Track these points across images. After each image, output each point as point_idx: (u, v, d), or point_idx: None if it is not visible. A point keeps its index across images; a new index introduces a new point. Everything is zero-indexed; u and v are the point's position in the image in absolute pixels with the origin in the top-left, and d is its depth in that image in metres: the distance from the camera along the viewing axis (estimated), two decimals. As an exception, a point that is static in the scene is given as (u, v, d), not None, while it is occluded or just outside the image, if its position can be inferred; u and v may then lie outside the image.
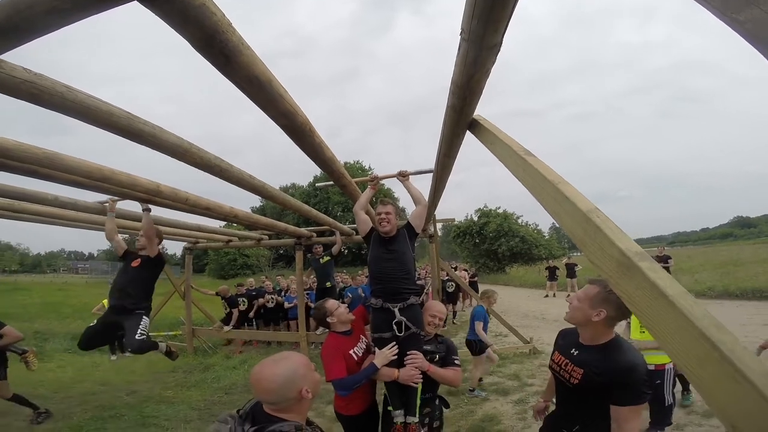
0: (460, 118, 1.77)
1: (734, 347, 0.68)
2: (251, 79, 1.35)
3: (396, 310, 2.56)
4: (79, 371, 6.75)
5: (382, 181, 3.31)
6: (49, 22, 1.00)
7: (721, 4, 0.57)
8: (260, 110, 1.68)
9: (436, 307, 2.71)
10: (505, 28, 1.17)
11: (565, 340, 1.90)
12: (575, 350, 1.78)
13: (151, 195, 3.47)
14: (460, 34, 1.24)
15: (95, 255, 77.69)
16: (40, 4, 0.95)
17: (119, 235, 4.40)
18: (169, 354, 4.45)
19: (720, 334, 0.70)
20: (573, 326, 1.88)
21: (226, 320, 8.69)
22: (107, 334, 4.17)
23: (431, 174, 3.31)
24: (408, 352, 2.48)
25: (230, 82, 1.38)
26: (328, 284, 7.25)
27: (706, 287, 12.94)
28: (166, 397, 5.37)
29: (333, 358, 2.41)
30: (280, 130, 1.89)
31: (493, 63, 1.35)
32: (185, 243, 8.48)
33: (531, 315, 11.89)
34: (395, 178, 3.17)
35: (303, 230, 7.30)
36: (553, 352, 1.96)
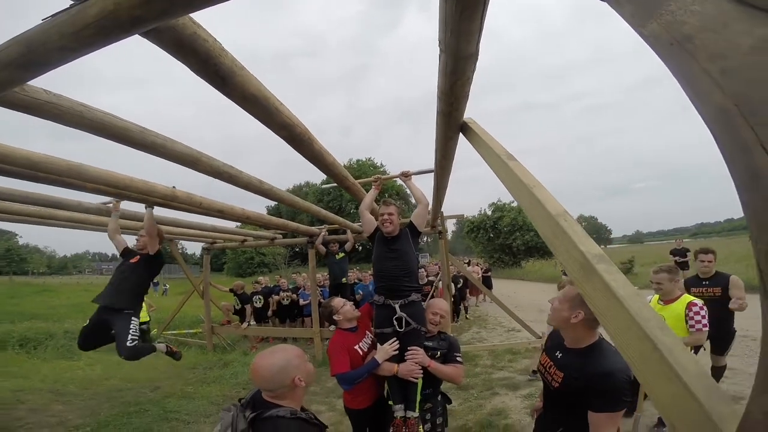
0: (450, 121, 1.84)
1: (673, 348, 0.73)
2: (247, 97, 1.46)
3: (397, 307, 2.62)
4: (106, 369, 6.98)
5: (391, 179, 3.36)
6: (59, 57, 1.12)
7: (630, 18, 0.60)
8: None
9: (438, 304, 2.74)
10: (478, 40, 1.23)
11: (553, 342, 1.87)
12: (559, 353, 1.76)
13: (167, 200, 3.64)
14: (439, 44, 1.31)
15: (118, 256, 79.84)
16: (51, 42, 1.06)
17: (121, 234, 4.37)
18: (172, 354, 4.42)
19: (663, 335, 0.76)
20: None
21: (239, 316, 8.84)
22: (101, 333, 3.99)
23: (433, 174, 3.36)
24: (408, 348, 2.53)
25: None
26: (344, 280, 7.37)
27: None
28: (187, 393, 5.58)
29: (337, 354, 2.49)
30: None
31: (473, 71, 1.42)
32: (203, 243, 8.74)
33: (546, 309, 11.71)
34: (399, 178, 3.22)
35: (314, 229, 7.44)
36: (541, 354, 1.95)
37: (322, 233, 7.33)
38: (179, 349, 4.76)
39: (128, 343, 3.69)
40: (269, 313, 9.03)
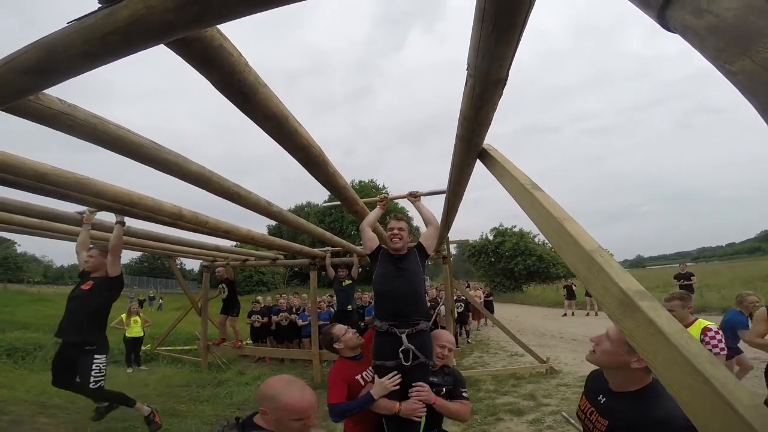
0: (470, 147, 1.82)
1: (726, 381, 0.71)
2: (269, 116, 1.44)
3: (404, 337, 2.33)
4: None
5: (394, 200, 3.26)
6: (81, 64, 1.08)
7: (714, 53, 0.57)
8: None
9: (445, 336, 2.55)
10: (510, 65, 1.21)
11: (594, 385, 1.63)
12: (602, 397, 1.53)
13: (174, 219, 3.60)
14: (467, 69, 1.28)
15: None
16: (74, 47, 1.02)
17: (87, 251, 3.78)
18: (150, 423, 3.84)
19: (713, 368, 0.73)
20: None
21: (229, 308, 8.17)
22: (69, 372, 3.47)
23: (443, 195, 3.26)
24: (413, 384, 2.25)
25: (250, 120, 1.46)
26: (349, 308, 7.25)
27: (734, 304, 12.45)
28: (178, 411, 5.40)
29: (334, 383, 2.28)
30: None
31: (500, 97, 1.39)
32: (202, 261, 8.65)
33: (548, 334, 11.64)
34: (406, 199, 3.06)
35: (317, 251, 7.38)
36: (581, 397, 1.71)
37: (327, 255, 7.17)
38: (177, 365, 4.54)
39: (91, 385, 3.23)
40: (273, 327, 8.95)
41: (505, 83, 1.32)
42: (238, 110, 1.39)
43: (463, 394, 2.35)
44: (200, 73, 1.19)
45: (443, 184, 3.14)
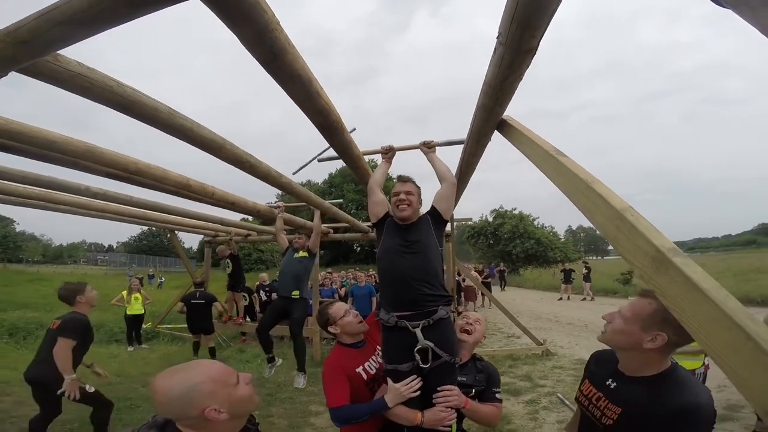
0: (490, 117, 1.82)
1: None
2: (294, 77, 1.42)
3: (418, 331, 1.82)
4: (96, 361, 6.85)
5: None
6: (127, 13, 1.05)
7: (766, 25, 0.56)
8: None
9: (469, 314, 2.15)
10: (543, 34, 1.21)
11: (599, 367, 1.48)
12: (613, 381, 1.37)
13: (180, 188, 3.59)
14: (497, 37, 1.28)
15: (114, 247, 79.56)
16: None
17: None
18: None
19: (754, 325, 0.74)
20: (610, 350, 1.47)
21: (234, 284, 8.10)
22: None
23: (461, 149, 2.77)
24: (438, 388, 1.80)
25: (264, 79, 1.44)
26: (296, 293, 4.81)
27: (728, 295, 12.66)
28: (179, 389, 5.49)
29: (334, 380, 1.87)
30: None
31: (528, 66, 1.40)
32: (203, 236, 8.64)
33: (544, 317, 11.81)
34: (418, 150, 2.54)
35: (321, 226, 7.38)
36: (583, 381, 1.54)
37: (280, 210, 5.18)
38: (177, 343, 4.57)
39: None
40: (258, 309, 8.89)
41: (535, 53, 1.32)
42: (263, 69, 1.37)
43: (497, 395, 1.92)
44: (231, 29, 1.17)
45: (450, 163, 2.66)
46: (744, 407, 4.05)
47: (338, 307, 2.06)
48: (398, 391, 1.78)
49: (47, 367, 3.11)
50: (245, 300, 8.68)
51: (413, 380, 1.80)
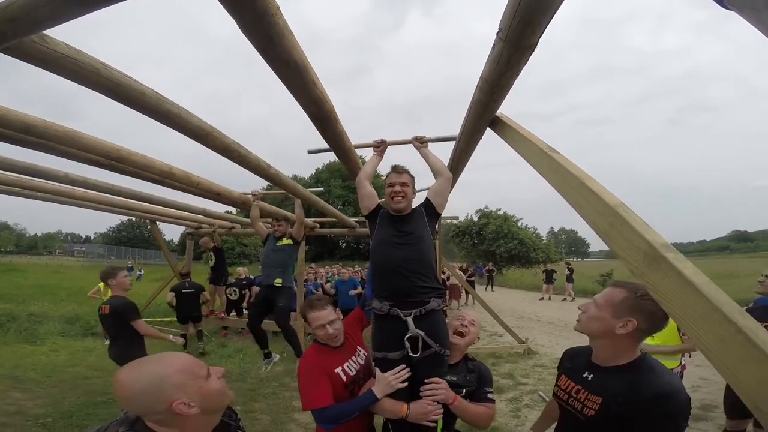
0: (485, 113, 1.82)
1: (758, 331, 0.73)
2: (290, 64, 1.40)
3: (409, 320, 1.85)
4: (72, 355, 6.65)
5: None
6: None
7: None
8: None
9: (465, 314, 2.09)
10: (543, 31, 1.22)
11: (574, 362, 1.55)
12: (589, 373, 1.42)
13: (163, 177, 3.50)
14: (497, 33, 1.29)
15: (92, 238, 77.38)
16: None
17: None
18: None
19: (744, 319, 0.76)
20: (582, 346, 1.56)
21: (216, 277, 8.11)
22: None
23: (452, 145, 2.76)
24: (426, 381, 1.79)
25: (260, 66, 1.41)
26: (279, 281, 4.69)
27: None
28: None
29: (312, 380, 1.76)
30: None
31: (526, 63, 1.41)
32: (185, 228, 8.43)
33: (526, 316, 11.98)
34: (410, 145, 2.59)
35: (307, 220, 7.31)
36: (559, 377, 1.58)
37: (255, 198, 4.81)
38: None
39: None
40: (243, 304, 8.74)
41: (534, 50, 1.33)
42: (259, 55, 1.34)
43: (488, 395, 1.87)
44: (230, 12, 1.13)
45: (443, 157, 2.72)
46: (717, 407, 4.17)
47: (319, 316, 1.84)
48: (387, 381, 1.77)
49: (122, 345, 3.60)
50: (235, 294, 8.56)
51: (401, 369, 1.81)
